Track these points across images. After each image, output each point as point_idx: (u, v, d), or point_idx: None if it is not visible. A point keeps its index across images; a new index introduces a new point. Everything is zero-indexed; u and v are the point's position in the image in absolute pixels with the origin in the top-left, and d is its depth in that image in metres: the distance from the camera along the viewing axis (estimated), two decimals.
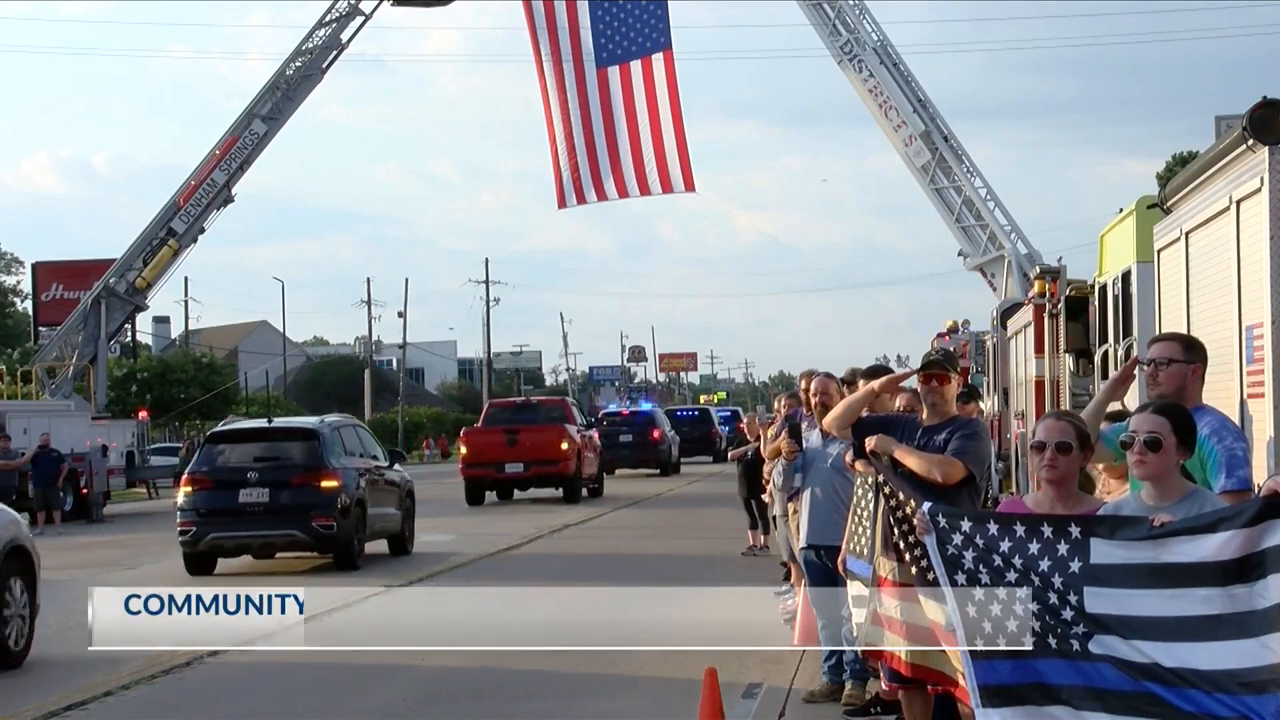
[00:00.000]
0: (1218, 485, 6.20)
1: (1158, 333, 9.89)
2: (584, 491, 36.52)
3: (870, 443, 8.21)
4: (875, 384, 8.81)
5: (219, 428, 24.57)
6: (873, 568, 7.80)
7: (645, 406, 55.70)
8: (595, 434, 40.13)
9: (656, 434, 48.83)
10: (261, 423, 24.65)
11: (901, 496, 7.13)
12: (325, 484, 21.21)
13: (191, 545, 21.17)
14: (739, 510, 21.80)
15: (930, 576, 5.93)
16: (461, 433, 39.62)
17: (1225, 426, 6.51)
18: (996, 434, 22.98)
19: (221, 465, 21.72)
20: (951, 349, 29.18)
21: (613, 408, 56.57)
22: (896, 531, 7.17)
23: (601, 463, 39.67)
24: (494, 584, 18.51)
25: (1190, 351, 6.81)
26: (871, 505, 7.95)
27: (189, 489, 21.47)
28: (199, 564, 21.31)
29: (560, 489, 35.91)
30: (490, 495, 36.71)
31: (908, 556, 6.90)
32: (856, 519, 8.41)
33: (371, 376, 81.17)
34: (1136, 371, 7.31)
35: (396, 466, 24.42)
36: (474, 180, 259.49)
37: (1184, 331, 9.25)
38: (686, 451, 53.70)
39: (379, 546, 23.04)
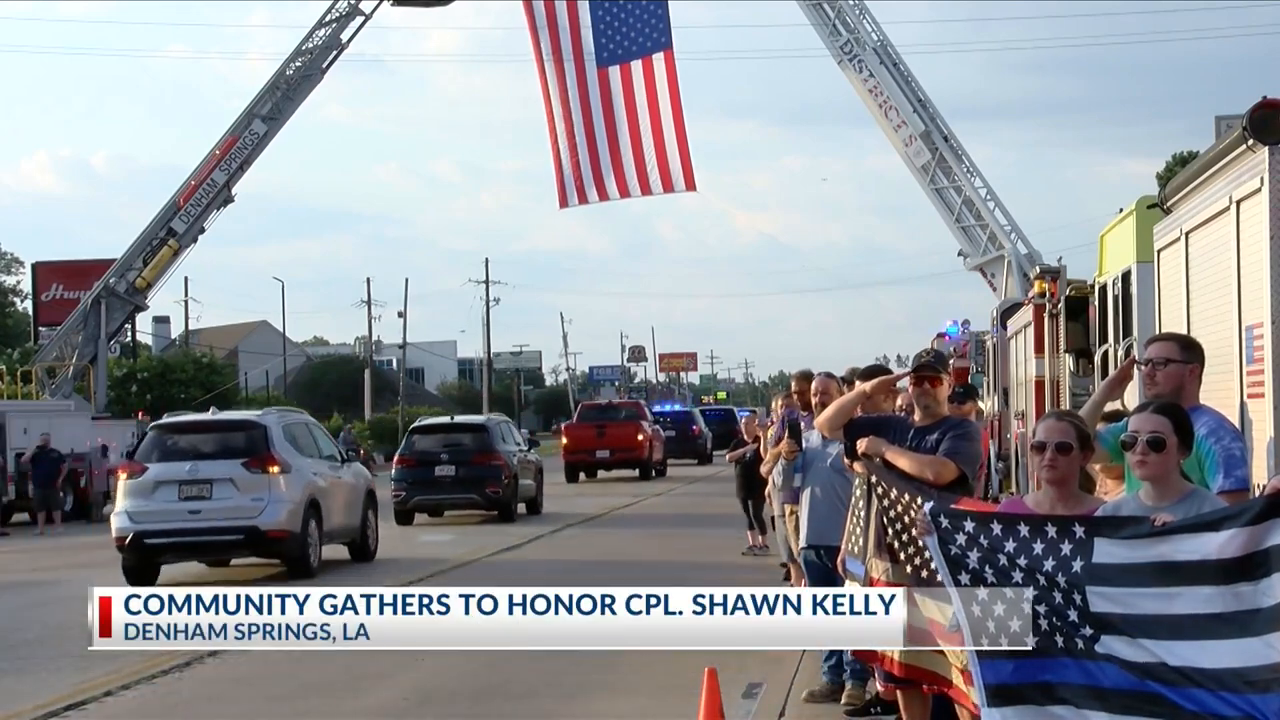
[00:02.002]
0: (1216, 485, 6.19)
1: (1158, 333, 9.88)
2: (653, 472, 47.04)
3: (861, 445, 8.21)
4: (867, 386, 8.80)
5: (418, 423, 33.19)
6: (865, 569, 7.79)
7: (686, 408, 67.16)
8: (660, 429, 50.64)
9: (695, 430, 58.32)
10: (446, 419, 34.84)
11: (895, 495, 7.12)
12: (494, 462, 29.87)
13: (401, 505, 29.86)
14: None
15: (925, 575, 5.92)
16: (562, 427, 52.55)
17: (1222, 426, 6.51)
18: (996, 434, 22.98)
19: (420, 449, 30.45)
20: (952, 349, 29.20)
21: (666, 408, 65.22)
22: (890, 532, 7.17)
23: (665, 451, 49.92)
24: (506, 582, 18.64)
25: (1188, 351, 6.80)
26: (865, 506, 7.95)
27: (400, 466, 30.31)
28: (404, 519, 29.93)
29: (636, 470, 46.61)
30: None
31: (902, 556, 6.89)
32: (854, 519, 8.41)
33: (371, 376, 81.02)
34: (1134, 371, 7.30)
35: (533, 451, 33.64)
36: (474, 180, 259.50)
37: (1183, 331, 9.24)
38: (715, 445, 60.35)
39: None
